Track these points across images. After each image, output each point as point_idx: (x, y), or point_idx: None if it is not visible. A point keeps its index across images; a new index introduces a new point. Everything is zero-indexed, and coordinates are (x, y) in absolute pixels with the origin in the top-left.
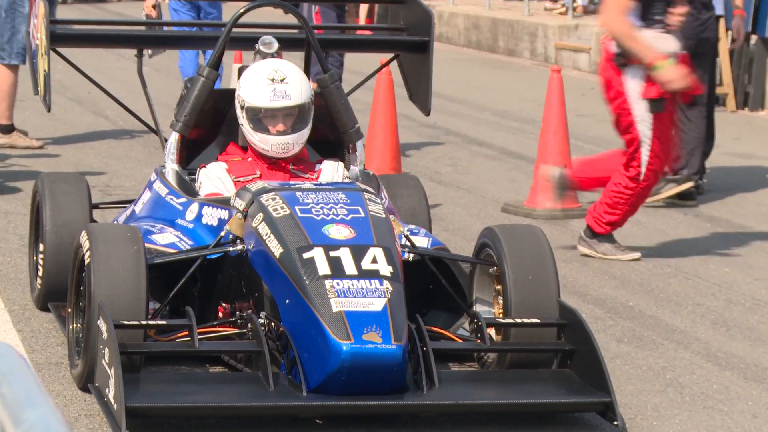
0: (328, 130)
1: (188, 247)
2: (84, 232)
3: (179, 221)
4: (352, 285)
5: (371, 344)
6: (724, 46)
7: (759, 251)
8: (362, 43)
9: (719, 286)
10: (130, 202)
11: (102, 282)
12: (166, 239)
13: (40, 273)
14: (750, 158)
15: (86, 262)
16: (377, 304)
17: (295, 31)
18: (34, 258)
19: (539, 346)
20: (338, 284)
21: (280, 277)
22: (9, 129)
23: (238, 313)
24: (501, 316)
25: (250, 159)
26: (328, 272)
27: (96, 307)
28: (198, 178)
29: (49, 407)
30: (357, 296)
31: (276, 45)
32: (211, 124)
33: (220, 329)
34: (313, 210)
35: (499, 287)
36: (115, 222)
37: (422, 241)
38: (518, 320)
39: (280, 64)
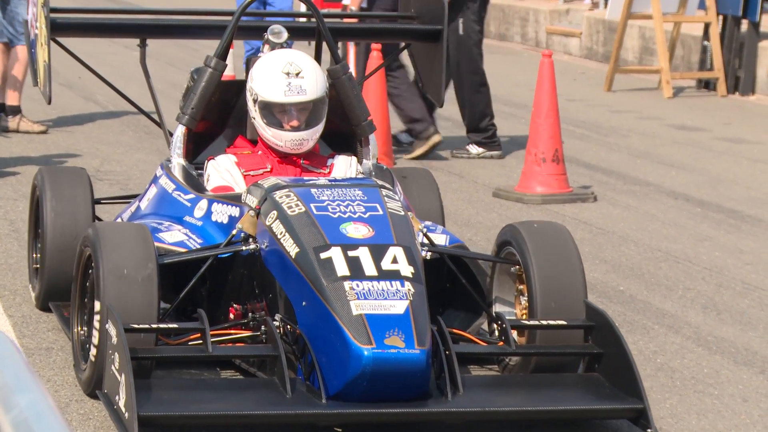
0: (340, 123)
1: (198, 246)
2: (90, 230)
3: (187, 218)
4: (372, 286)
5: (393, 349)
6: (714, 30)
7: (749, 235)
8: (374, 32)
9: (710, 270)
10: (133, 197)
11: (110, 283)
12: (174, 237)
13: (40, 272)
14: (740, 143)
15: (93, 262)
16: (399, 307)
17: (305, 19)
18: (34, 255)
19: (566, 350)
20: (358, 286)
21: (296, 278)
22: (17, 110)
23: (250, 314)
24: (525, 317)
25: (260, 152)
26: (347, 273)
27: (105, 310)
28: (206, 170)
29: (39, 392)
30: (378, 298)
31: (285, 34)
32: (217, 117)
33: (233, 332)
34: (329, 207)
35: (521, 287)
36: (120, 219)
37: (440, 239)
38: (544, 322)
39: (295, 56)
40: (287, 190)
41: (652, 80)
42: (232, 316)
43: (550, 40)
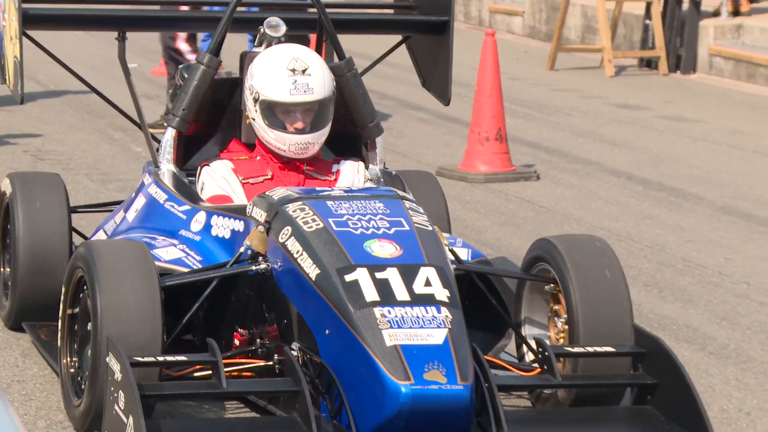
0: (343, 124)
1: (196, 263)
2: (83, 249)
3: (183, 232)
4: (406, 313)
5: (434, 385)
6: (656, 9)
7: (690, 213)
8: (374, 24)
9: (651, 248)
10: (113, 204)
11: (110, 310)
12: (170, 254)
13: (11, 288)
14: (682, 121)
15: (88, 285)
16: (437, 336)
17: (303, 10)
18: (2, 270)
19: (616, 380)
20: (389, 312)
21: (317, 303)
22: None
23: (258, 340)
24: (562, 340)
25: (259, 158)
26: (377, 298)
27: (104, 341)
28: (199, 177)
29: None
30: (413, 327)
31: (284, 28)
32: (208, 118)
33: (243, 361)
34: (349, 222)
35: (556, 307)
36: (102, 231)
37: (462, 253)
38: (590, 349)
39: (300, 51)
40: (301, 202)
41: (594, 59)
42: (237, 342)
43: (493, 18)
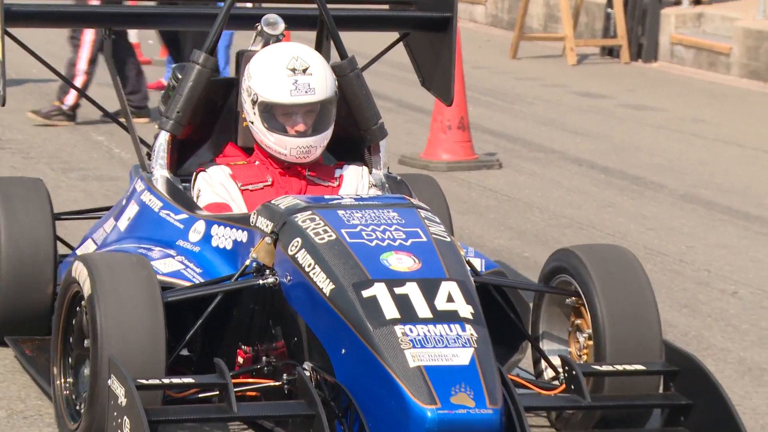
0: (344, 127)
1: (197, 275)
2: (80, 263)
3: (181, 243)
4: (429, 331)
5: (462, 409)
6: None
7: (652, 201)
8: (376, 21)
9: (613, 236)
10: (100, 210)
11: (111, 328)
12: (168, 266)
13: None
14: (643, 110)
15: (87, 302)
16: (463, 356)
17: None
18: None
19: (649, 401)
20: (411, 331)
21: (331, 320)
22: None
23: (264, 358)
24: (585, 357)
25: (257, 163)
26: (397, 315)
27: (105, 362)
28: (195, 183)
29: None
30: (437, 346)
31: (282, 26)
32: (202, 121)
33: (249, 381)
34: (363, 233)
35: (578, 321)
36: (91, 240)
37: (475, 263)
38: (620, 367)
39: (300, 50)
40: (310, 212)
41: (556, 47)
42: (240, 359)
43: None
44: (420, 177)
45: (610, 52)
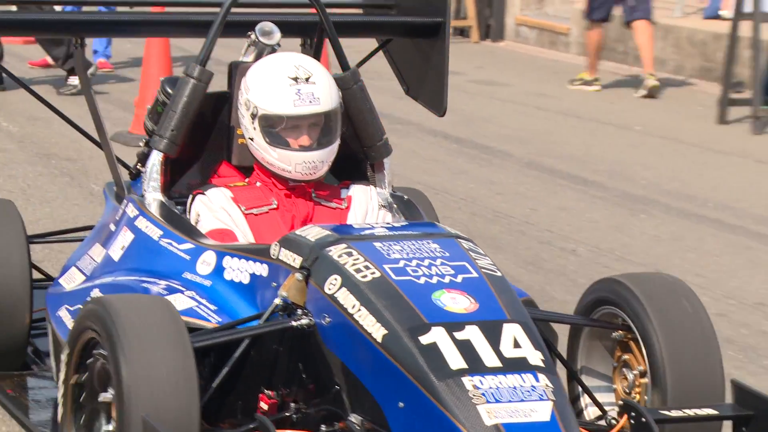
0: (345, 143)
1: (211, 313)
2: (96, 306)
3: (188, 275)
4: (500, 383)
5: None
6: None
7: (500, 168)
8: (358, 26)
9: (465, 200)
10: (72, 231)
11: (137, 380)
12: (180, 304)
13: None
14: (492, 85)
15: (108, 350)
16: (542, 411)
17: (299, 12)
18: None
19: None
20: (482, 383)
21: (385, 369)
22: None
23: (293, 405)
24: (637, 396)
25: (259, 184)
26: (464, 365)
27: (134, 422)
28: (192, 207)
29: None
30: (512, 400)
31: (278, 35)
32: (192, 139)
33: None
34: (408, 269)
35: (626, 357)
36: (75, 268)
37: None
38: (690, 412)
39: (300, 58)
40: (345, 245)
41: None
42: (265, 406)
43: None
44: (408, 191)
45: (461, 32)
